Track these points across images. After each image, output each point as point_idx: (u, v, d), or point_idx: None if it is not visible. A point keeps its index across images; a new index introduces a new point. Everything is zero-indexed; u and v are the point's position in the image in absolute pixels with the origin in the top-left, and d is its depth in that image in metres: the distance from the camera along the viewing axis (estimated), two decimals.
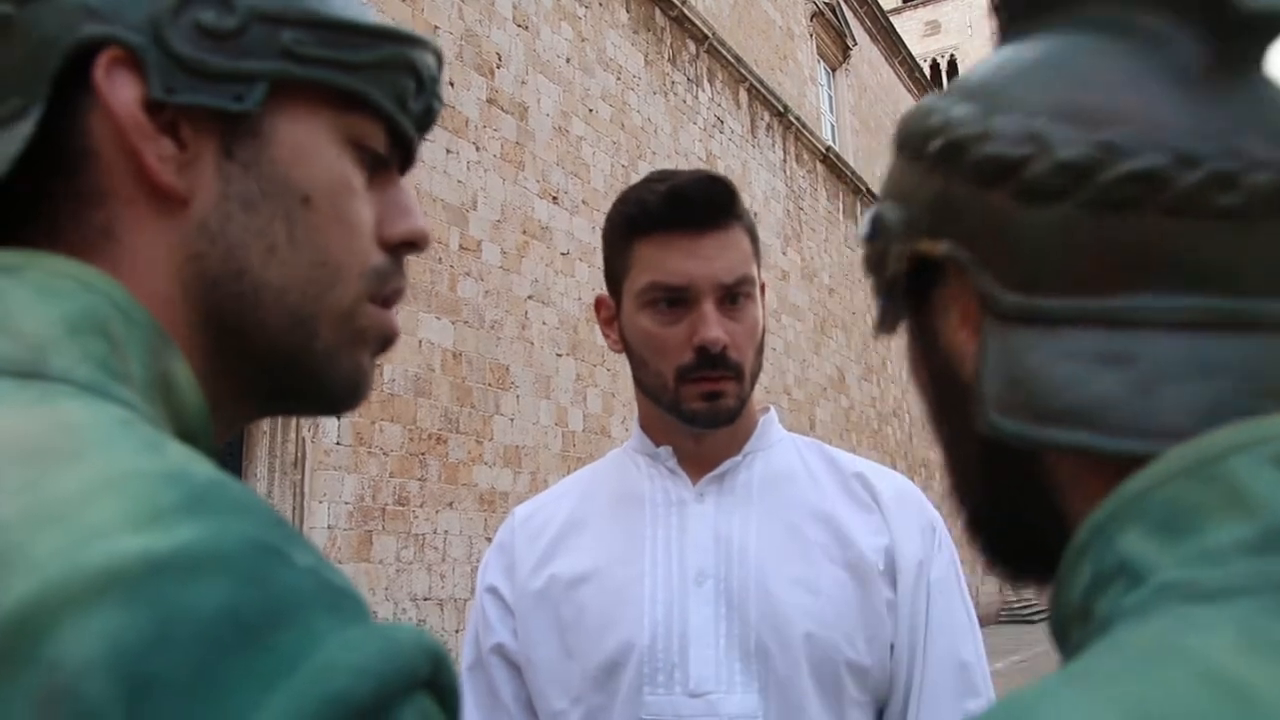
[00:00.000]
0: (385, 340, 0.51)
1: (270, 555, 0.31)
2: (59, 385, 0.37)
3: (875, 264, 0.48)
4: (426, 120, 0.53)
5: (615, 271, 1.08)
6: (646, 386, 1.07)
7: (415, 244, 0.52)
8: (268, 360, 0.47)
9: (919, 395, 0.52)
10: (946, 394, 0.47)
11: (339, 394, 0.50)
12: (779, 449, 1.11)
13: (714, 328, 1.00)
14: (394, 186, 0.52)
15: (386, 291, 0.51)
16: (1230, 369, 0.37)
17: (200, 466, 0.34)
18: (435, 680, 0.32)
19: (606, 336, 1.13)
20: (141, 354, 0.41)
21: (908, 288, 0.47)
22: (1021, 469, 0.43)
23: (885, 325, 0.50)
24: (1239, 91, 0.39)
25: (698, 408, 1.02)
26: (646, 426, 1.12)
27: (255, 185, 0.46)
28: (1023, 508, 0.44)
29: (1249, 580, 0.32)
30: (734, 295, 1.02)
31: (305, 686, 0.28)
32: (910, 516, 1.07)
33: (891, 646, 1.02)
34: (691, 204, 1.02)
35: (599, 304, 1.13)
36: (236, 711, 0.27)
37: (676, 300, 1.01)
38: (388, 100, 0.49)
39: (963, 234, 0.42)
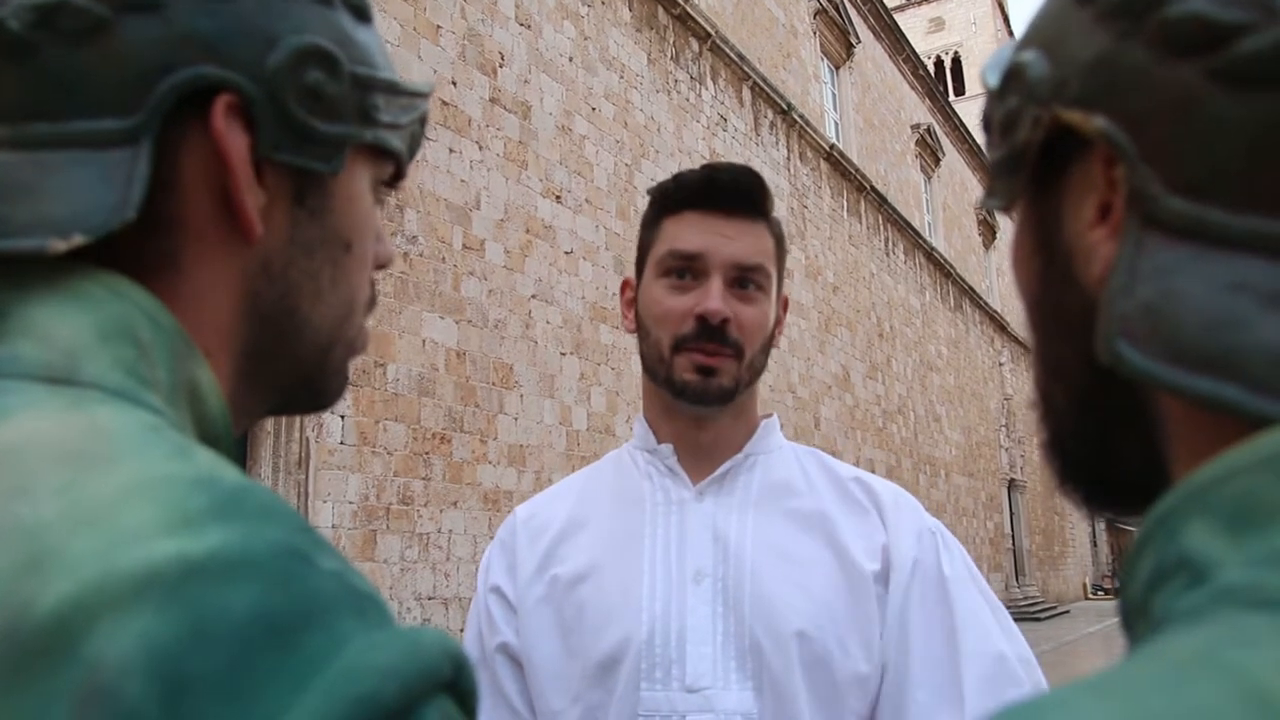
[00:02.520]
0: (363, 348, 0.56)
1: (297, 559, 0.31)
2: (91, 391, 0.38)
3: (1003, 125, 0.40)
4: (412, 156, 0.56)
5: (643, 248, 1.12)
6: (646, 359, 1.09)
7: (385, 267, 0.56)
8: (287, 381, 0.50)
9: (1020, 295, 0.43)
10: (1057, 302, 0.40)
11: (330, 400, 0.54)
12: (779, 456, 1.12)
13: (716, 299, 1.03)
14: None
15: (370, 307, 0.55)
16: None
17: (228, 472, 0.35)
18: (456, 682, 0.33)
19: (624, 317, 1.15)
20: (168, 360, 0.42)
21: (1037, 161, 0.39)
22: (1129, 408, 0.37)
23: (999, 199, 0.42)
24: None
25: (689, 379, 1.04)
26: (651, 418, 1.13)
27: (318, 233, 0.48)
28: (1120, 451, 0.39)
29: None
30: (745, 280, 1.06)
31: (334, 687, 0.29)
32: (907, 519, 1.08)
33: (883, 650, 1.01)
34: (722, 187, 1.07)
35: (624, 285, 1.16)
36: (268, 711, 0.28)
37: (688, 271, 1.05)
38: (407, 149, 0.53)
39: (1126, 111, 0.34)
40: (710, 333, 1.03)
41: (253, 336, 0.47)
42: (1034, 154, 0.39)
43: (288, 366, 0.49)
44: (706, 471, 1.09)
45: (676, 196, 1.09)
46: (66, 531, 0.31)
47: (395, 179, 0.55)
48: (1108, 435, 0.39)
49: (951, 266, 22.44)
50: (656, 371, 1.07)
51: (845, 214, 16.45)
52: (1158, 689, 0.26)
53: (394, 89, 0.50)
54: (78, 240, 0.40)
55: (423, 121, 0.54)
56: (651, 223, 1.12)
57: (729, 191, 1.07)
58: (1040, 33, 0.38)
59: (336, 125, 0.47)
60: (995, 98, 0.41)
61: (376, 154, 0.51)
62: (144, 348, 0.41)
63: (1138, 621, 0.34)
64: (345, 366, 0.53)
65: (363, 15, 0.50)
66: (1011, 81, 0.39)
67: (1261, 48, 0.30)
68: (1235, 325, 0.31)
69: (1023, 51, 0.39)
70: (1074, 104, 0.36)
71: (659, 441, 1.11)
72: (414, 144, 0.54)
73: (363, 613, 0.32)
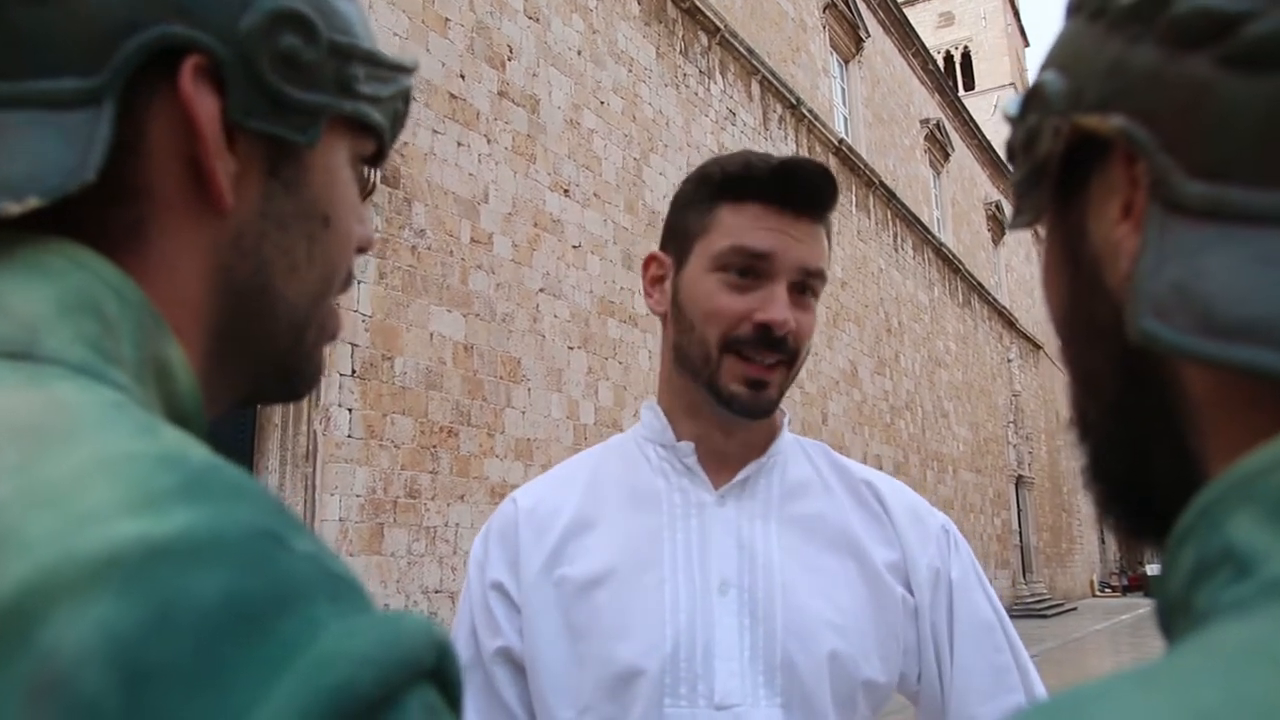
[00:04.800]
0: (336, 333, 0.53)
1: (270, 541, 0.30)
2: (51, 366, 0.36)
3: (1023, 143, 0.41)
4: (395, 135, 0.54)
5: (687, 229, 1.03)
6: (687, 356, 1.01)
7: (364, 250, 0.54)
8: (260, 361, 0.48)
9: (1050, 316, 0.43)
10: (1086, 311, 0.40)
11: (305, 387, 0.52)
12: (791, 454, 1.08)
13: (784, 309, 0.97)
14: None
15: (345, 288, 0.53)
16: None
17: (196, 450, 0.33)
18: (440, 670, 0.31)
19: (648, 295, 1.07)
20: (134, 334, 0.40)
21: (1060, 172, 0.39)
22: (1162, 411, 0.37)
23: (1025, 216, 0.42)
24: None
25: (737, 391, 0.98)
26: (670, 410, 1.06)
27: (291, 206, 0.46)
28: (1155, 463, 0.38)
29: None
30: (804, 286, 1.00)
31: (307, 676, 0.27)
32: (920, 525, 1.06)
33: (920, 659, 1.02)
34: (799, 185, 0.99)
35: (650, 260, 1.07)
36: (238, 703, 0.26)
37: (750, 271, 0.98)
38: (389, 126, 0.51)
39: (1142, 108, 0.35)
40: (771, 341, 0.97)
41: (225, 313, 0.45)
42: (1055, 165, 0.39)
43: (261, 347, 0.47)
44: (726, 472, 1.03)
45: (742, 185, 0.99)
46: (22, 512, 0.29)
47: (378, 158, 0.53)
48: (1142, 444, 0.39)
49: (960, 262, 22.38)
50: (698, 370, 1.00)
51: (854, 209, 16.42)
52: (1208, 681, 0.25)
53: (374, 60, 0.48)
54: (32, 203, 0.38)
55: (406, 99, 0.53)
56: (702, 205, 1.01)
57: (806, 191, 0.99)
58: (1057, 56, 0.40)
59: (313, 94, 0.45)
60: (1016, 121, 0.42)
61: (356, 128, 0.49)
62: (109, 322, 0.39)
63: (1177, 618, 0.33)
64: (319, 352, 0.51)
65: None
66: (1031, 101, 0.40)
67: (1265, 31, 0.32)
68: (1266, 295, 0.31)
69: (1041, 74, 0.40)
70: (1091, 109, 0.36)
71: (678, 438, 1.04)
72: (396, 121, 0.52)
73: (339, 597, 0.30)
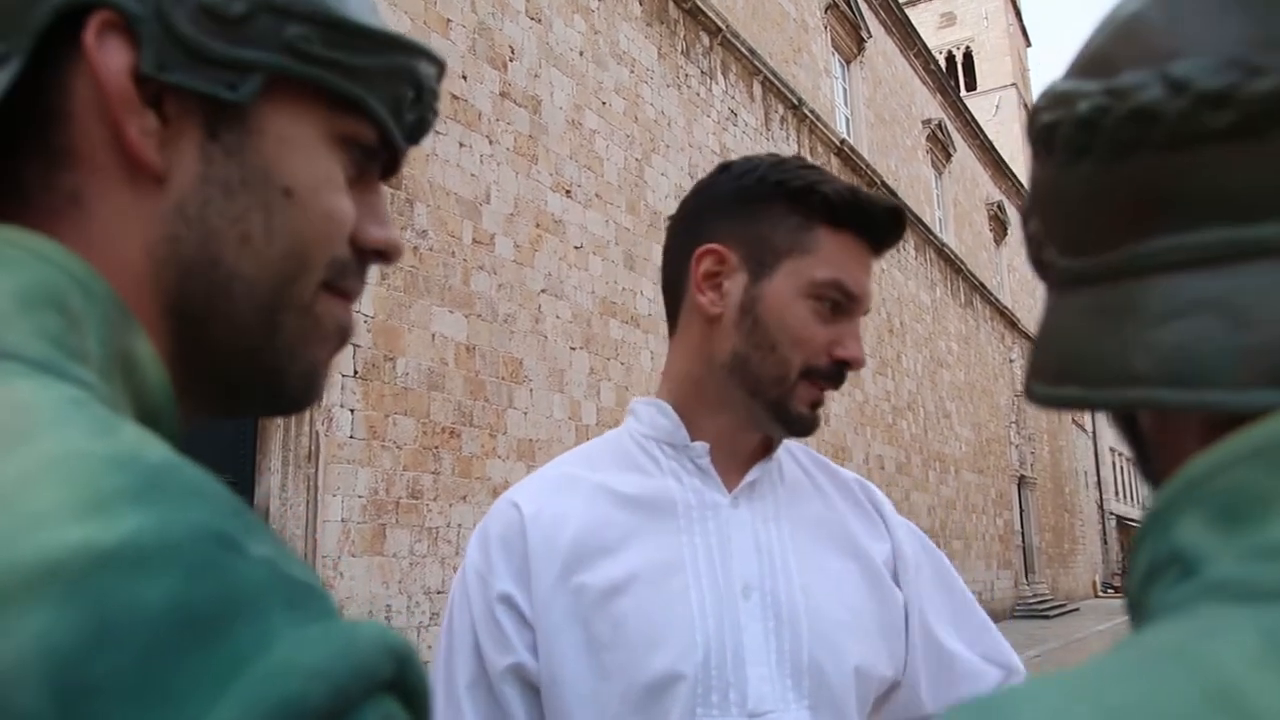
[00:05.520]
0: (341, 334, 0.50)
1: (222, 545, 0.28)
2: (9, 363, 0.34)
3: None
4: (418, 131, 0.51)
5: (771, 240, 0.99)
6: (753, 371, 0.98)
7: (387, 256, 0.51)
8: (228, 353, 0.45)
9: None
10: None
11: (295, 392, 0.48)
12: (783, 455, 1.09)
13: (860, 348, 1.00)
14: (374, 192, 0.51)
15: (344, 285, 0.49)
16: (1212, 304, 0.33)
17: (154, 449, 0.32)
18: (401, 681, 0.30)
19: (700, 291, 1.01)
20: (100, 329, 0.39)
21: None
22: (1134, 436, 0.42)
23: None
24: None
25: (804, 413, 1.00)
26: (687, 410, 1.03)
27: (237, 172, 0.44)
28: (1152, 476, 0.42)
29: None
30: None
31: (255, 690, 0.26)
32: (900, 519, 1.12)
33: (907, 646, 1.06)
34: (887, 229, 1.02)
35: (709, 254, 1.01)
36: (184, 717, 0.25)
37: (839, 305, 0.99)
38: (383, 108, 0.48)
39: (1038, 209, 0.42)
40: (840, 375, 1.00)
41: (177, 289, 0.43)
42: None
43: (225, 332, 0.45)
44: (734, 473, 1.03)
45: (847, 211, 0.99)
46: None
47: (389, 156, 0.50)
48: (1147, 473, 0.43)
49: (962, 262, 22.34)
50: (765, 388, 0.98)
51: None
52: (1124, 681, 0.27)
53: (332, 24, 0.45)
54: None
55: (415, 83, 0.49)
56: (793, 218, 0.99)
57: (889, 232, 1.03)
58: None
59: (242, 49, 0.43)
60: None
61: (334, 104, 0.47)
62: (73, 316, 0.38)
63: (1137, 617, 0.34)
64: (308, 351, 0.47)
65: None
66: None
67: (1065, 133, 0.38)
68: (1078, 339, 0.38)
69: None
70: (1027, 218, 0.44)
71: (691, 438, 1.02)
72: (396, 103, 0.48)
73: (295, 604, 0.29)
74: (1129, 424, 0.42)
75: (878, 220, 1.01)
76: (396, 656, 0.30)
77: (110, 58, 0.41)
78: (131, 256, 0.43)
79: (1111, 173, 0.36)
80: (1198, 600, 0.29)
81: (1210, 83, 0.33)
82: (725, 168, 1.05)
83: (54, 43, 0.41)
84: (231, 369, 0.46)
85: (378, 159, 0.50)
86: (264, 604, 0.28)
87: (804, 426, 1.00)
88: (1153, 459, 0.40)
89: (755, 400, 0.99)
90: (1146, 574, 0.34)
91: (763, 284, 0.99)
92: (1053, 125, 0.38)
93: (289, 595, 0.29)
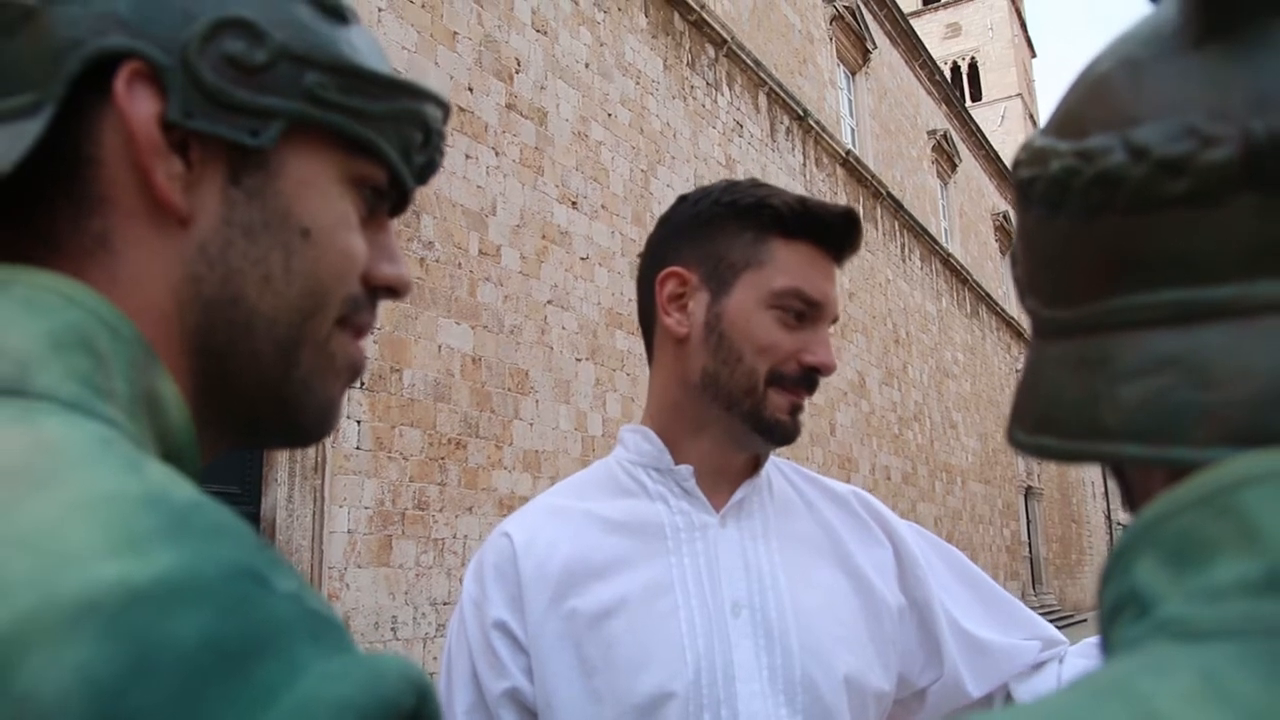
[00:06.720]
0: (353, 371, 0.51)
1: (251, 581, 0.30)
2: (41, 403, 0.36)
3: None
4: (427, 172, 0.53)
5: (728, 256, 1.02)
6: (723, 385, 1.01)
7: (397, 292, 0.53)
8: (249, 388, 0.47)
9: None
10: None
11: (310, 425, 0.50)
12: (771, 473, 1.10)
13: (831, 354, 1.02)
14: (384, 231, 0.53)
15: (358, 320, 0.51)
16: (1176, 362, 0.35)
17: (181, 489, 0.33)
18: (419, 712, 0.31)
19: (666, 314, 1.04)
20: (126, 370, 0.41)
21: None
22: (1121, 478, 0.43)
23: None
24: (1239, 52, 0.35)
25: (782, 419, 1.01)
26: (670, 433, 1.05)
27: (258, 214, 0.46)
28: (1131, 513, 0.45)
29: (1241, 622, 0.29)
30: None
31: None
32: (905, 522, 1.15)
33: (940, 643, 1.09)
34: (842, 234, 1.04)
35: (671, 277, 1.04)
36: None
37: (802, 313, 1.01)
38: (394, 150, 0.50)
39: (1021, 257, 0.43)
40: (811, 381, 1.02)
41: (201, 328, 0.45)
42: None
43: (248, 368, 0.47)
44: (721, 493, 1.04)
45: (797, 221, 1.01)
46: (2, 555, 0.29)
47: (398, 196, 0.52)
48: (1132, 513, 0.45)
49: (968, 272, 22.34)
50: (737, 399, 1.00)
51: (861, 220, 16.39)
52: (1069, 714, 0.28)
53: (348, 72, 0.47)
54: None
55: (421, 125, 0.51)
56: (746, 233, 1.01)
57: (847, 239, 1.05)
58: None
59: (264, 97, 0.45)
60: None
61: (349, 147, 0.49)
62: (101, 358, 0.40)
63: (1103, 652, 0.36)
64: (323, 385, 0.49)
65: (331, 12, 0.48)
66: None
67: (1039, 190, 0.40)
68: (1055, 390, 0.40)
69: None
70: (1012, 262, 0.46)
71: (676, 461, 1.04)
72: (405, 146, 0.50)
73: (320, 638, 0.30)
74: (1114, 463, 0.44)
75: (831, 226, 1.03)
76: (417, 689, 0.31)
77: (139, 106, 0.43)
78: (157, 297, 0.44)
79: (1082, 230, 0.38)
80: (1147, 638, 0.31)
81: (1168, 150, 0.35)
82: (683, 199, 1.09)
83: (84, 91, 0.42)
84: (252, 403, 0.48)
85: (388, 198, 0.52)
86: (291, 637, 0.29)
87: (784, 433, 1.01)
88: (1133, 497, 0.42)
89: (731, 414, 1.01)
90: (1110, 611, 0.35)
91: (723, 300, 1.02)
92: (1031, 180, 0.40)
93: (313, 629, 0.30)
